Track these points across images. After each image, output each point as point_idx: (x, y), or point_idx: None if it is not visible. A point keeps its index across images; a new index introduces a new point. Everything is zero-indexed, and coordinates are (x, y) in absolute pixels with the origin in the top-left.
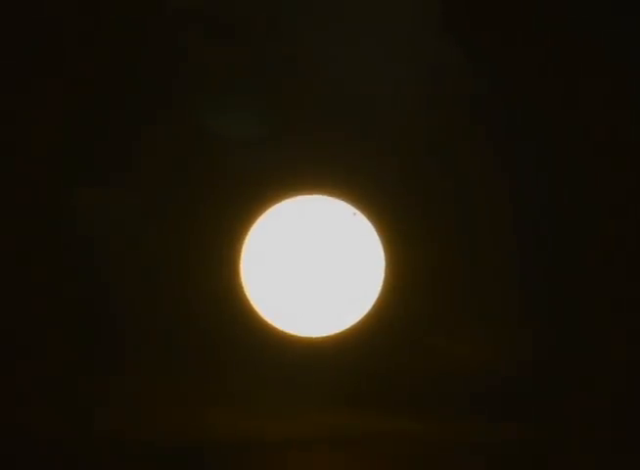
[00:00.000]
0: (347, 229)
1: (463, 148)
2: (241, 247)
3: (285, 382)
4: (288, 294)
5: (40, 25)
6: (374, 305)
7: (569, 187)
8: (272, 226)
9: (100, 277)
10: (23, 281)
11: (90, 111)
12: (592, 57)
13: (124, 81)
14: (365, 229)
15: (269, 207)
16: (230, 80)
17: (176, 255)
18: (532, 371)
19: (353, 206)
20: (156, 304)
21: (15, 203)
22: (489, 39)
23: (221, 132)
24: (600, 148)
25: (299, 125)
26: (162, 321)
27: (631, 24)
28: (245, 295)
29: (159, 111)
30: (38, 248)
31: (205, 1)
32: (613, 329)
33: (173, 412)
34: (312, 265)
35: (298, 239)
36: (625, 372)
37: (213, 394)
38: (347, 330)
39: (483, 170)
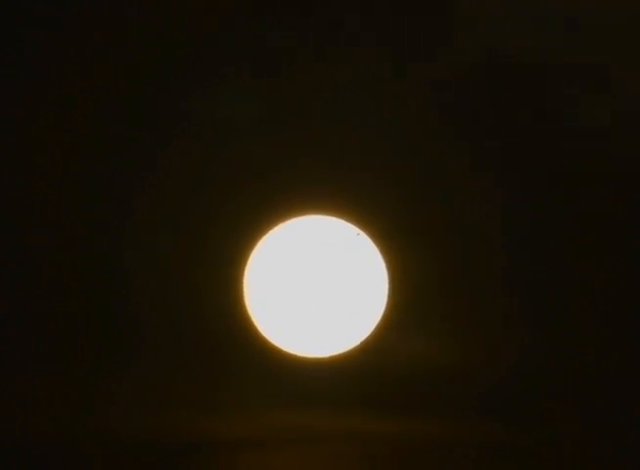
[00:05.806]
0: (350, 249)
1: (464, 168)
2: (244, 267)
3: (289, 402)
4: (291, 314)
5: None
6: (378, 325)
7: (558, 202)
8: (275, 247)
9: (104, 291)
10: (24, 282)
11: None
12: None
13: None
14: (368, 249)
15: (272, 227)
16: (236, 102)
17: (180, 275)
18: (527, 374)
19: (356, 226)
20: (159, 321)
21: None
22: None
23: (226, 154)
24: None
25: (303, 148)
26: (166, 340)
27: None
28: (248, 316)
29: (164, 135)
30: (46, 249)
31: None
32: (603, 331)
33: (173, 422)
34: (316, 286)
35: (302, 259)
36: (616, 374)
37: (215, 405)
38: (352, 350)
39: (484, 189)
